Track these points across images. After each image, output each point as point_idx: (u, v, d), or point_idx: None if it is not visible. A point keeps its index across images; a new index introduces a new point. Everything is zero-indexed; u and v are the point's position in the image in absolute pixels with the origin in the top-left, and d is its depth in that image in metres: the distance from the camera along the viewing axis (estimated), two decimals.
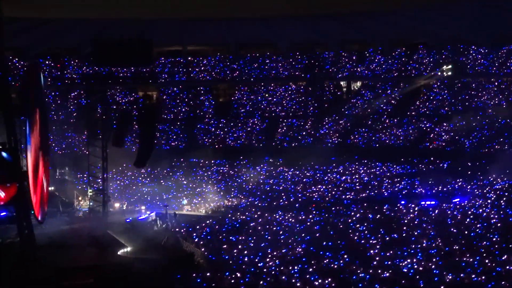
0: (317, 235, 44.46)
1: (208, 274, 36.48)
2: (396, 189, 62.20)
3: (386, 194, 60.98)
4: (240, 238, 44.30)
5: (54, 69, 76.60)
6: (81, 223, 52.97)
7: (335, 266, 36.64)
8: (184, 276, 36.22)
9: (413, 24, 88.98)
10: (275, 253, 39.98)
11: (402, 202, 56.60)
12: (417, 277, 34.60)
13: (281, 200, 59.26)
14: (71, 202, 58.65)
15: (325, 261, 37.65)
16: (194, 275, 36.39)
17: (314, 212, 53.43)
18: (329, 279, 33.87)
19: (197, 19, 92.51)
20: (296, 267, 36.48)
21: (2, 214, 41.27)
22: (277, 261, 38.06)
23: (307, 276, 34.97)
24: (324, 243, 42.15)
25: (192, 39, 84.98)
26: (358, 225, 47.18)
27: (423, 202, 56.34)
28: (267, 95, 79.68)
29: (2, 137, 40.33)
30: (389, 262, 37.34)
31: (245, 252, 40.49)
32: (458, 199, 57.12)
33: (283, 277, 35.07)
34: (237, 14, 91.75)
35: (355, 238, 43.50)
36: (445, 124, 75.92)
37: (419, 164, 69.70)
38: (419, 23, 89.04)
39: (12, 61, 73.08)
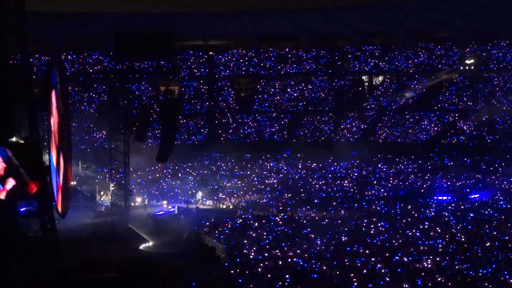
0: (338, 230, 44.35)
1: (229, 268, 36.51)
2: (418, 184, 61.91)
3: (408, 189, 60.74)
4: (261, 233, 44.23)
5: (76, 63, 76.75)
6: (103, 217, 53.15)
7: (358, 263, 36.48)
8: (205, 270, 36.23)
9: (435, 16, 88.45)
10: (296, 248, 39.90)
11: (424, 197, 56.47)
12: (437, 272, 34.40)
13: (302, 195, 59.16)
14: (93, 197, 58.88)
15: (346, 257, 37.48)
16: (215, 269, 36.46)
17: (335, 207, 53.37)
18: (351, 275, 33.69)
19: (218, 13, 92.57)
20: (318, 263, 36.38)
21: (22, 209, 41.49)
22: (298, 256, 37.97)
23: (329, 272, 34.85)
24: (346, 238, 42.10)
25: (213, 33, 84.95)
26: (379, 221, 47.05)
27: (439, 197, 56.23)
28: (288, 89, 79.49)
29: (25, 131, 40.43)
30: (410, 258, 37.17)
31: (267, 247, 40.45)
32: (477, 195, 56.92)
33: (305, 272, 34.97)
34: (258, 7, 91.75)
35: (377, 233, 43.32)
36: (467, 119, 75.41)
37: (442, 159, 69.27)
38: (440, 14, 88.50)
39: (34, 55, 73.19)
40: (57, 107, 43.53)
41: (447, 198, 55.87)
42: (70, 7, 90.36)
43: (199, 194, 60.35)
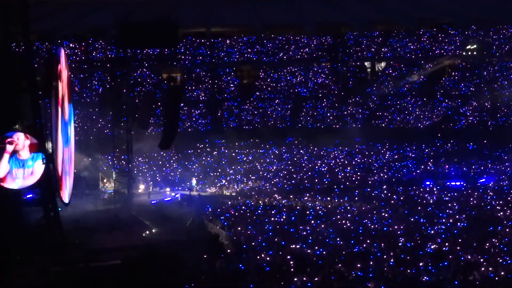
0: (342, 217, 44.51)
1: (233, 255, 36.66)
2: (421, 170, 62.05)
3: (411, 175, 60.87)
4: (265, 220, 44.38)
5: (79, 52, 76.84)
6: (106, 205, 53.28)
7: (362, 249, 36.61)
8: (209, 257, 36.38)
9: (437, 3, 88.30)
10: (300, 235, 40.05)
11: (427, 183, 56.62)
12: (442, 258, 34.53)
13: (305, 182, 59.30)
14: (96, 185, 58.98)
15: (350, 244, 37.62)
16: (218, 256, 36.62)
17: (338, 194, 53.53)
18: (358, 264, 33.77)
19: (222, 0, 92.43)
20: (321, 249, 36.51)
21: (28, 196, 41.53)
22: (302, 243, 38.11)
23: (333, 258, 34.99)
24: (349, 225, 42.25)
25: (216, 20, 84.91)
26: (382, 207, 47.21)
27: (449, 183, 56.34)
28: (291, 76, 79.50)
29: (28, 120, 40.51)
30: (413, 244, 37.31)
31: (270, 234, 40.58)
32: (484, 179, 57.05)
33: (309, 259, 35.10)
34: None
35: (380, 220, 43.47)
36: (470, 105, 75.44)
37: (444, 145, 69.37)
38: (443, 1, 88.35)
39: (38, 44, 73.28)
40: (61, 95, 43.62)
41: (460, 184, 56.06)
42: None
43: (193, 181, 60.50)
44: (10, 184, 38.81)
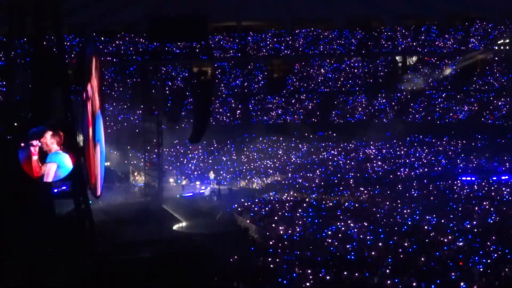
0: (371, 212, 44.43)
1: (262, 249, 36.68)
2: (452, 165, 61.75)
3: (442, 170, 60.60)
4: (295, 214, 44.38)
5: (110, 46, 77.12)
6: (136, 198, 53.56)
7: (392, 243, 36.48)
8: (239, 251, 36.42)
9: None
10: (331, 230, 39.98)
11: (461, 178, 56.41)
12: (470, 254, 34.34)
13: (335, 177, 59.23)
14: (126, 178, 59.31)
15: (380, 238, 37.49)
16: (248, 250, 36.66)
17: (369, 189, 53.40)
18: (389, 258, 33.64)
19: None
20: (351, 245, 36.43)
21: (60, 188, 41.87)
22: (333, 238, 38.04)
23: (362, 253, 34.92)
24: (379, 219, 42.16)
25: (246, 15, 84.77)
26: (413, 202, 47.04)
27: (463, 178, 56.15)
28: (321, 70, 79.25)
29: (60, 113, 40.79)
30: (444, 239, 37.12)
31: (300, 228, 40.56)
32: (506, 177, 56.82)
33: (338, 253, 35.05)
34: None
35: (410, 215, 43.33)
36: (503, 99, 74.85)
37: (476, 140, 68.91)
38: None
39: (70, 40, 73.64)
40: (92, 89, 43.85)
41: (471, 179, 55.78)
42: None
43: (211, 175, 60.49)
44: (43, 178, 39.12)
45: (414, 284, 29.92)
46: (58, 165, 38.93)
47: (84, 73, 42.45)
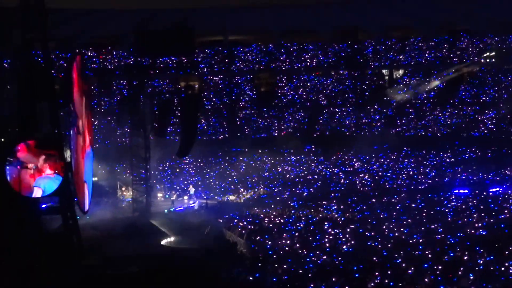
0: (359, 225, 44.36)
1: (251, 263, 36.56)
2: (439, 177, 61.78)
3: (429, 183, 60.62)
4: (283, 228, 44.27)
5: (96, 60, 76.86)
6: (124, 213, 53.38)
7: (380, 258, 36.42)
8: (227, 266, 36.31)
9: (456, 6, 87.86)
10: (319, 243, 39.92)
11: (446, 191, 56.36)
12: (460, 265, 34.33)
13: (324, 190, 59.17)
14: (114, 193, 59.08)
15: (369, 253, 37.41)
16: (237, 265, 36.53)
17: (355, 201, 53.37)
18: (376, 273, 33.60)
19: (238, 7, 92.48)
20: (339, 257, 36.36)
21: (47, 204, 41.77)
22: (321, 251, 37.98)
23: (351, 267, 34.84)
24: (368, 233, 42.08)
25: (233, 28, 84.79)
26: (401, 215, 47.01)
27: (456, 191, 56.09)
28: (308, 83, 79.19)
29: (46, 128, 40.66)
30: (432, 251, 37.11)
31: (288, 242, 40.48)
32: (498, 188, 56.73)
33: (327, 267, 34.97)
34: (279, 1, 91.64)
35: (398, 228, 43.28)
36: (488, 112, 75.03)
37: (462, 154, 69.05)
38: (462, 5, 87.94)
39: (55, 52, 73.33)
40: (78, 104, 43.74)
41: (465, 192, 55.74)
42: (91, 4, 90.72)
43: (191, 189, 60.10)
44: (31, 194, 39.05)
45: None
46: (43, 190, 39.02)
47: (70, 87, 42.42)
